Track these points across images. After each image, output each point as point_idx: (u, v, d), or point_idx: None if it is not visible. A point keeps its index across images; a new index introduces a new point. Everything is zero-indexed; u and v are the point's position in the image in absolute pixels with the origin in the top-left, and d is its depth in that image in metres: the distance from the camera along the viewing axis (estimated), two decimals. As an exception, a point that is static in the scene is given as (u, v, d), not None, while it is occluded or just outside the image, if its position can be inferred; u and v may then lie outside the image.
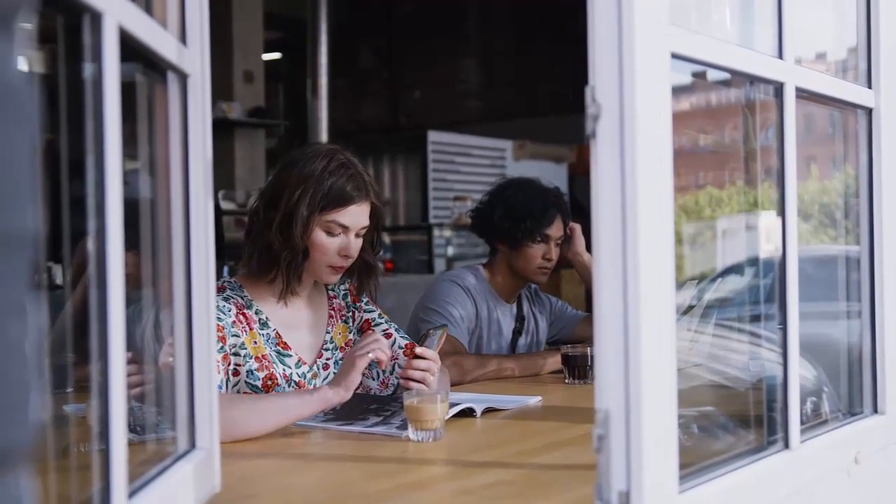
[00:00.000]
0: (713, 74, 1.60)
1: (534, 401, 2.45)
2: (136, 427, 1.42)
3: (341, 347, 2.44)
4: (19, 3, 0.58)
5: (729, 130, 2.08)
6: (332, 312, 2.47)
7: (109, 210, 1.04)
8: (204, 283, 1.44)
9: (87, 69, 1.04)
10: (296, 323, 2.38)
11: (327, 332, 2.43)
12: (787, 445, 1.57)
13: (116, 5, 1.06)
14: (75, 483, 1.25)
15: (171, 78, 1.38)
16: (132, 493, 1.14)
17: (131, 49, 1.14)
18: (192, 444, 1.43)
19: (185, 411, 1.42)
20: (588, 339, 3.06)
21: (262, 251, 2.28)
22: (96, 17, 1.02)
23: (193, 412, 1.43)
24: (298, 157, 2.30)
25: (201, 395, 1.44)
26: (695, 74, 1.54)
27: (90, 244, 1.04)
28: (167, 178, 1.40)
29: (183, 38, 1.40)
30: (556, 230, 3.12)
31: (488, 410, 2.28)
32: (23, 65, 0.60)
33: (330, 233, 2.27)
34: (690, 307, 2.33)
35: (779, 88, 1.58)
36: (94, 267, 1.04)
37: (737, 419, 1.79)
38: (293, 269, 2.28)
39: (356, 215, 2.29)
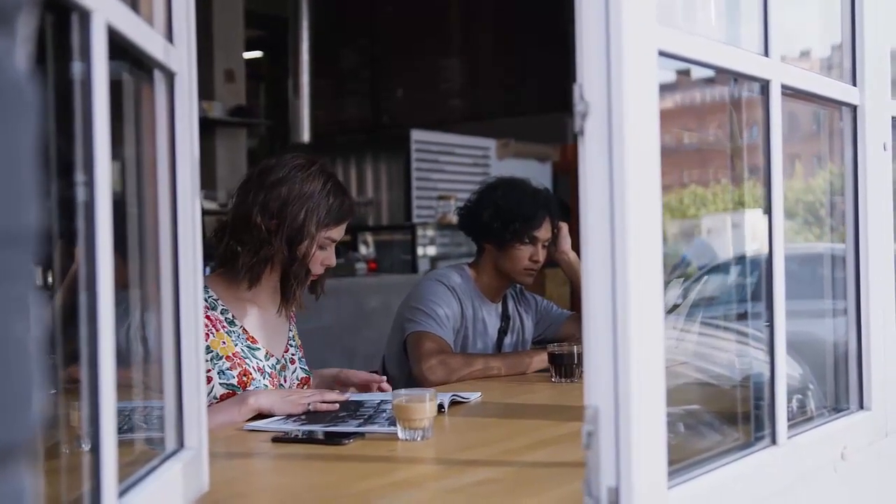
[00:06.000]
0: (697, 72, 1.61)
1: (474, 397, 2.48)
2: (122, 427, 1.41)
3: (300, 346, 2.59)
4: (21, 2, 0.58)
5: (713, 128, 2.08)
6: (291, 315, 2.59)
7: (98, 210, 1.04)
8: (192, 284, 1.43)
9: (76, 67, 1.04)
10: (262, 321, 2.47)
11: (290, 331, 2.56)
12: (774, 441, 1.58)
13: (105, 3, 1.05)
14: (63, 483, 1.24)
15: (158, 76, 1.38)
16: (122, 493, 1.13)
17: (118, 47, 1.14)
18: (181, 444, 1.42)
19: (174, 411, 1.42)
20: (574, 338, 3.07)
21: (263, 262, 2.36)
22: (85, 16, 1.02)
23: (182, 412, 1.42)
24: (294, 174, 2.37)
25: (189, 395, 1.43)
26: (679, 72, 1.54)
27: (80, 245, 1.03)
28: (154, 177, 1.40)
29: (170, 36, 1.40)
30: (544, 232, 3.13)
31: (454, 403, 2.34)
32: (24, 63, 0.60)
33: (321, 247, 2.41)
34: (676, 305, 2.34)
35: (765, 86, 1.58)
36: (83, 268, 1.04)
37: (724, 416, 1.79)
38: (300, 283, 2.41)
39: (344, 230, 2.47)
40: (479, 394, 2.50)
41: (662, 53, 1.29)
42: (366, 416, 2.14)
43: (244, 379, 2.33)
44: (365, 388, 2.53)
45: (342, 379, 2.57)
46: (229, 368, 2.32)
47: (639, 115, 1.22)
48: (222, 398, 2.28)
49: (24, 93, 0.58)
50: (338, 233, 2.43)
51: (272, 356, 2.44)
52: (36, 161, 0.60)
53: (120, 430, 1.12)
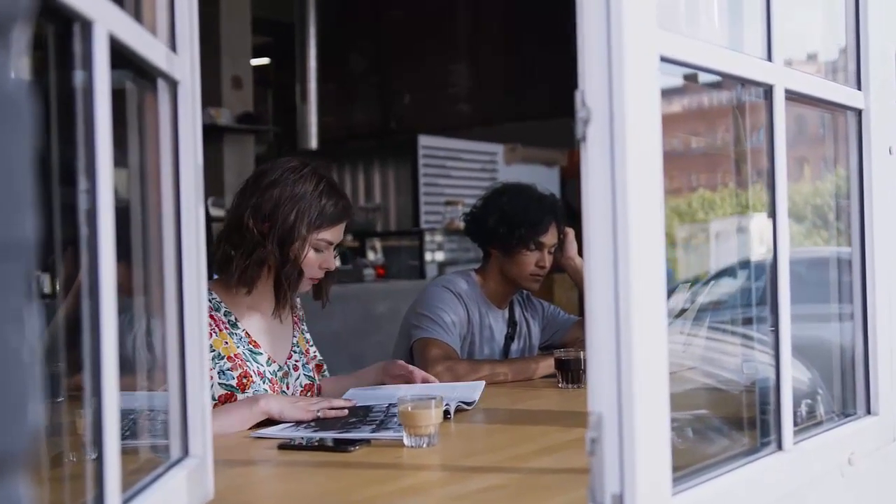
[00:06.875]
0: (704, 77, 1.61)
1: (480, 387, 2.52)
2: (125, 432, 1.41)
3: (305, 352, 2.58)
4: (16, 12, 0.59)
5: (721, 132, 2.08)
6: (296, 320, 2.60)
7: (101, 218, 1.04)
8: (196, 291, 1.43)
9: (78, 77, 1.04)
10: (265, 327, 2.47)
11: (294, 337, 2.56)
12: (780, 447, 1.57)
13: (107, 13, 1.06)
14: (68, 491, 1.24)
15: (161, 85, 1.38)
16: (126, 501, 1.13)
17: (121, 56, 1.14)
18: (186, 452, 1.42)
19: (178, 419, 1.42)
20: (580, 343, 3.06)
21: (256, 265, 2.36)
22: (87, 25, 1.02)
23: (186, 420, 1.43)
24: (286, 176, 2.38)
25: (194, 403, 1.43)
26: (686, 77, 1.54)
27: (82, 253, 1.04)
28: (158, 185, 1.40)
29: (173, 45, 1.40)
30: (550, 238, 3.12)
31: (459, 410, 2.33)
32: (20, 73, 0.60)
33: (317, 249, 2.41)
34: (683, 310, 2.33)
35: (768, 90, 1.58)
36: (86, 276, 1.04)
37: (730, 421, 1.79)
38: (292, 285, 2.40)
39: (341, 232, 2.45)
40: (483, 383, 2.55)
41: (664, 59, 1.29)
42: (377, 422, 2.14)
43: (244, 381, 2.33)
44: (406, 380, 2.55)
45: (392, 371, 2.59)
46: (230, 369, 2.32)
47: (640, 120, 1.22)
48: (221, 399, 2.29)
49: (19, 104, 0.59)
50: (332, 235, 2.41)
51: (274, 362, 2.44)
52: (32, 173, 0.60)
53: (123, 436, 1.13)
